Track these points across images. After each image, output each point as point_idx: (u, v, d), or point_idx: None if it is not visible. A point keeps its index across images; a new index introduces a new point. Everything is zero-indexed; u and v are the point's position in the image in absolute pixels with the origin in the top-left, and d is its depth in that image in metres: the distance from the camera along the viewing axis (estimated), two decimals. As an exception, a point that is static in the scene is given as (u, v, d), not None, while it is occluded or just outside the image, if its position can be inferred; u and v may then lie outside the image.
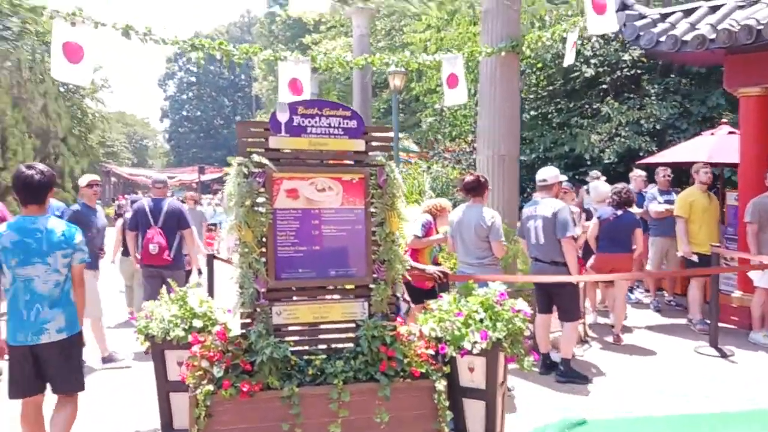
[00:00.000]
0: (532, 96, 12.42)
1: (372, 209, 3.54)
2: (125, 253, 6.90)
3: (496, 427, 3.58)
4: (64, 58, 5.09)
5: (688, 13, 6.71)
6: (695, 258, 6.65)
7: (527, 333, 3.76)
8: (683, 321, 7.04)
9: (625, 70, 11.02)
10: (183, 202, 8.67)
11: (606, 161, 10.18)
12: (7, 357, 3.27)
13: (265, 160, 3.35)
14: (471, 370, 3.55)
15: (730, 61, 6.64)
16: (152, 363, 3.78)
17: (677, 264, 7.45)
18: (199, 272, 8.78)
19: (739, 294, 6.83)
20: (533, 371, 4.56)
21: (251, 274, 3.33)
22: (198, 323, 3.57)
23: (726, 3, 6.53)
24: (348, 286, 3.62)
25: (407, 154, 15.55)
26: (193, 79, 58.92)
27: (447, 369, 3.49)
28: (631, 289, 7.94)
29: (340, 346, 3.53)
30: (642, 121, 9.98)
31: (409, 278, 3.74)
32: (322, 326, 3.55)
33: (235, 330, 3.44)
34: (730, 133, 8.00)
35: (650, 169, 8.34)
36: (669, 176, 7.69)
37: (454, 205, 5.88)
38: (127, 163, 43.89)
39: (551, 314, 5.39)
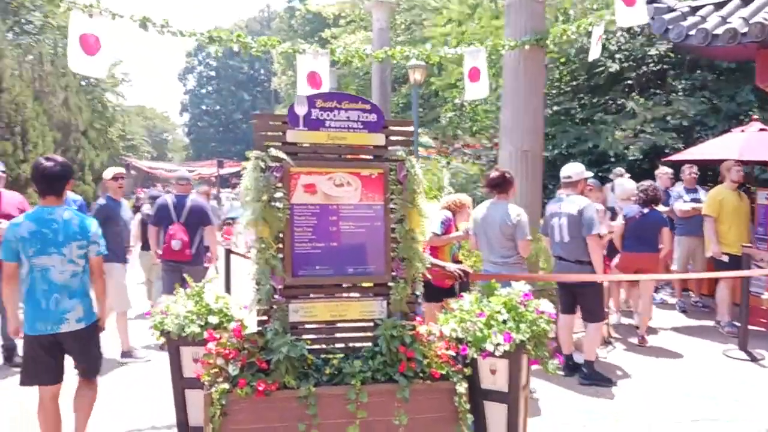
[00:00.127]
0: (554, 91, 12.20)
1: (391, 205, 3.43)
2: (144, 247, 6.91)
3: (518, 431, 3.47)
4: (81, 50, 5.05)
5: (719, 6, 6.48)
6: (725, 258, 6.45)
7: (551, 334, 3.64)
8: (710, 323, 6.87)
9: (651, 65, 10.77)
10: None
11: (630, 158, 9.96)
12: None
13: (282, 154, 3.26)
14: (493, 372, 3.44)
15: (762, 55, 6.40)
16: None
17: (704, 264, 7.26)
18: (216, 270, 8.79)
19: (769, 296, 6.61)
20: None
21: (268, 271, 3.24)
22: (214, 320, 3.50)
23: (759, -5, 6.30)
24: (366, 284, 3.52)
25: (426, 149, 15.42)
26: (213, 73, 59.26)
27: (468, 371, 3.39)
28: (656, 289, 7.75)
29: (358, 345, 3.43)
30: (668, 118, 9.74)
31: (429, 276, 3.63)
32: (340, 325, 3.46)
33: (252, 327, 3.36)
34: (761, 130, 7.76)
35: (676, 167, 8.13)
36: (695, 174, 7.48)
37: (474, 201, 5.75)
38: (146, 157, 44.19)
39: (575, 315, 5.26)
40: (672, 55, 10.67)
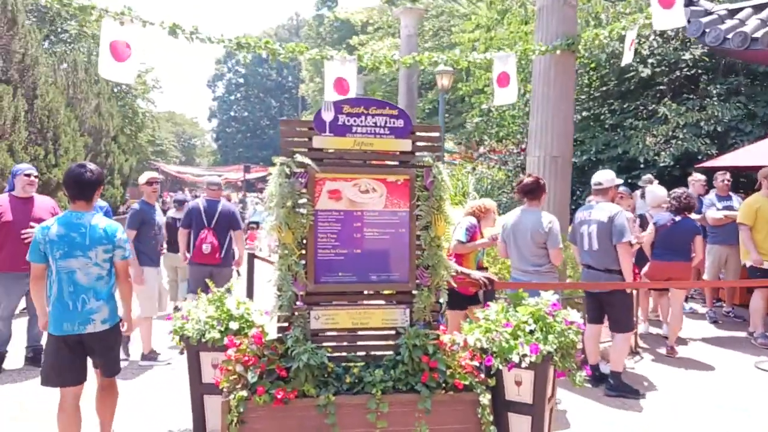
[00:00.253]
0: (583, 96, 11.99)
1: (417, 212, 3.37)
2: (169, 249, 7.01)
3: (543, 445, 3.37)
4: (111, 57, 5.13)
5: (758, 9, 6.30)
6: (767, 265, 6.22)
7: (579, 345, 3.54)
8: (743, 334, 6.66)
9: (685, 69, 10.50)
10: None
11: (661, 164, 9.71)
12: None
13: (307, 160, 3.23)
14: (518, 383, 3.34)
15: (802, 59, 6.21)
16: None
17: (736, 273, 7.04)
18: (238, 273, 8.85)
19: (805, 308, 6.37)
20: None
21: (290, 277, 3.22)
22: (234, 325, 3.48)
23: (800, -2, 6.11)
24: (388, 292, 3.46)
25: (450, 155, 15.33)
26: (241, 80, 60.04)
27: (492, 382, 3.31)
28: (686, 299, 7.54)
29: (379, 353, 3.38)
30: (702, 123, 9.47)
31: (454, 284, 3.56)
32: (361, 333, 3.41)
33: (272, 333, 3.34)
34: (800, 136, 7.51)
35: (710, 174, 7.90)
36: (728, 181, 7.26)
37: (500, 207, 5.66)
38: (174, 162, 44.92)
39: (602, 324, 5.13)
40: (707, 59, 10.39)
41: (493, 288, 4.20)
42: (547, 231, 4.57)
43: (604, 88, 11.82)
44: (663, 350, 6.02)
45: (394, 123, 3.39)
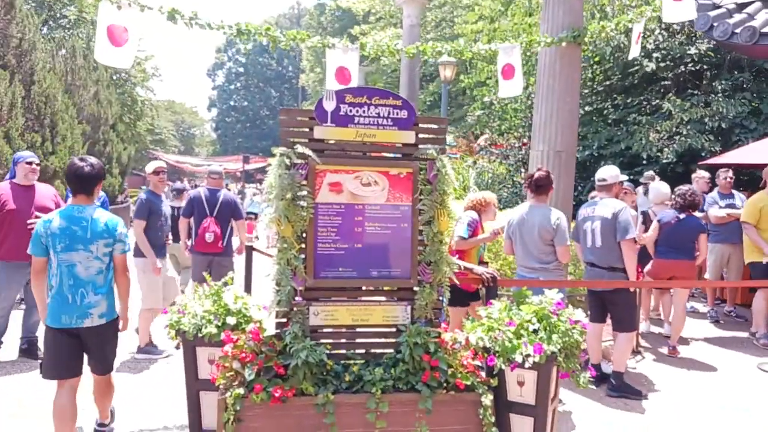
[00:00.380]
0: (587, 91, 11.85)
1: (420, 206, 3.28)
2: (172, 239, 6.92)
3: (545, 446, 3.30)
4: (108, 41, 5.01)
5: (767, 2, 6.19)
6: None
7: (584, 346, 3.46)
8: (744, 334, 6.61)
9: (690, 64, 10.38)
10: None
11: (664, 161, 9.61)
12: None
13: (308, 151, 3.14)
14: (521, 384, 3.27)
15: (812, 55, 6.11)
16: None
17: (739, 273, 6.97)
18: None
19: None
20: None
21: (289, 271, 3.13)
22: (232, 320, 3.40)
23: (811, -8, 6.00)
24: (389, 288, 3.38)
25: (451, 148, 15.22)
26: (241, 69, 59.73)
27: (494, 382, 3.23)
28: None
29: (379, 351, 3.30)
30: (706, 119, 9.36)
31: (456, 281, 3.47)
32: (361, 330, 3.32)
33: (270, 329, 3.25)
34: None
35: (714, 170, 7.81)
36: (731, 179, 7.17)
37: (500, 201, 5.56)
38: (173, 151, 44.71)
39: (604, 323, 5.06)
40: (712, 54, 10.27)
41: (495, 284, 4.12)
42: (555, 228, 4.47)
43: (608, 83, 11.69)
44: (664, 350, 5.96)
45: (397, 114, 3.30)
